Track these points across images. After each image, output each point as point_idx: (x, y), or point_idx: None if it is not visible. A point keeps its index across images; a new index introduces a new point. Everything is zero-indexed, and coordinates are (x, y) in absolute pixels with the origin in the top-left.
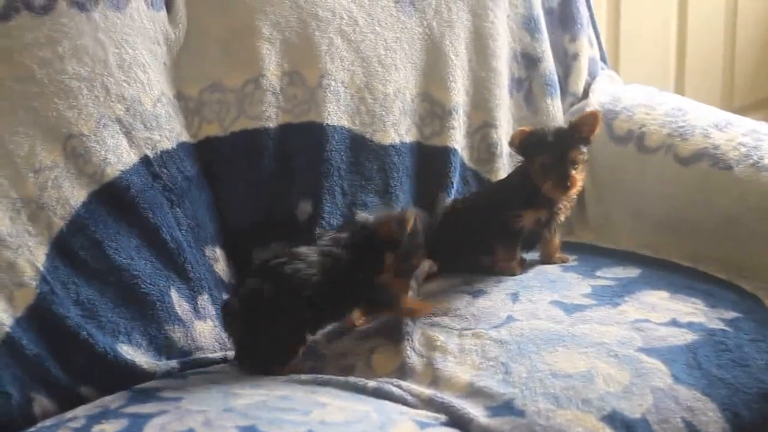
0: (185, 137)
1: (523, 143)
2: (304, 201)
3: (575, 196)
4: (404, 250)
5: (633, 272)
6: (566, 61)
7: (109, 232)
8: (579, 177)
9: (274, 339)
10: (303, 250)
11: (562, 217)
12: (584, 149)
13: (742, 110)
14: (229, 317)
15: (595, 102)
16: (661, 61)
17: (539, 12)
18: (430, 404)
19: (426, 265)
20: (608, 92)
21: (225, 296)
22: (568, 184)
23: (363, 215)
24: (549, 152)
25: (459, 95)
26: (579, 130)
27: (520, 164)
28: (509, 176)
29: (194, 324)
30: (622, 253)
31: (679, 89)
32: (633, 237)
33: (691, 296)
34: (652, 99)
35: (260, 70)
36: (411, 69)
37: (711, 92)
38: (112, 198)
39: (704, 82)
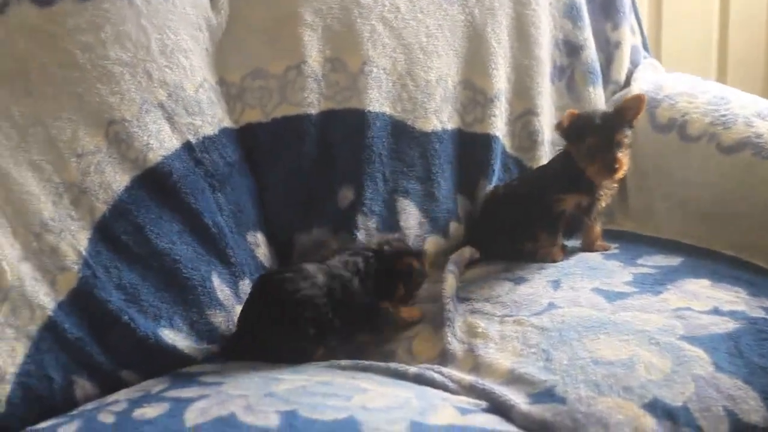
0: (227, 123)
1: (571, 126)
2: (345, 187)
3: (617, 183)
4: (415, 281)
5: (675, 260)
6: (608, 49)
7: (151, 216)
8: (625, 160)
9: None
10: (310, 268)
11: (603, 203)
12: (629, 132)
13: None
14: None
15: (637, 90)
16: (703, 49)
17: (581, 0)
18: (471, 391)
19: (467, 252)
20: (650, 80)
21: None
22: (616, 166)
23: (373, 240)
24: (596, 135)
25: (501, 82)
26: (624, 114)
27: (561, 150)
28: (551, 162)
29: (235, 309)
30: (664, 242)
31: (721, 78)
32: (675, 225)
33: (733, 285)
34: (695, 87)
35: (302, 57)
36: (453, 56)
37: (753, 81)
38: (155, 183)
39: (746, 70)
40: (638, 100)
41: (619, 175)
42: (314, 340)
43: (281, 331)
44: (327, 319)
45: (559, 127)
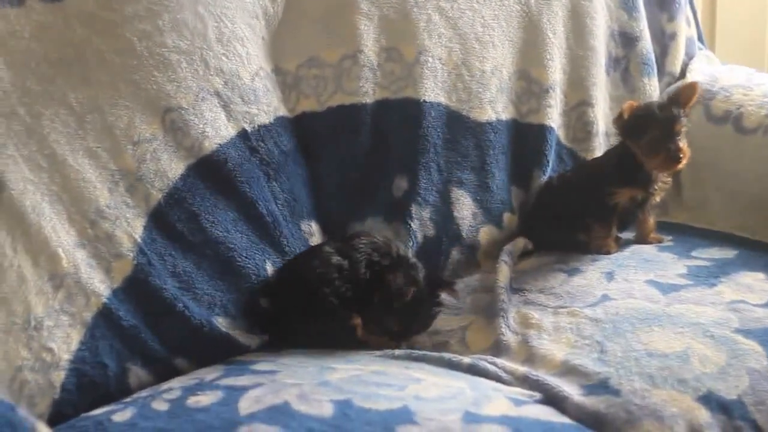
0: (282, 112)
1: (630, 119)
2: (399, 177)
3: (671, 177)
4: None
5: (729, 253)
6: (663, 41)
7: (206, 205)
8: (686, 149)
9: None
10: (326, 249)
11: (657, 198)
12: (685, 121)
13: None
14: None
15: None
16: (757, 42)
17: None
18: (524, 382)
19: (521, 243)
20: (705, 72)
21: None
22: (681, 156)
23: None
24: (658, 127)
25: (556, 73)
26: (680, 102)
27: (617, 143)
28: (606, 154)
29: None
30: (718, 234)
31: None
32: (729, 218)
33: None
34: (750, 80)
35: (358, 46)
36: (508, 46)
37: None
38: (210, 171)
39: None
40: (691, 87)
41: (683, 165)
42: (342, 309)
43: (307, 310)
44: (342, 292)
45: (619, 119)
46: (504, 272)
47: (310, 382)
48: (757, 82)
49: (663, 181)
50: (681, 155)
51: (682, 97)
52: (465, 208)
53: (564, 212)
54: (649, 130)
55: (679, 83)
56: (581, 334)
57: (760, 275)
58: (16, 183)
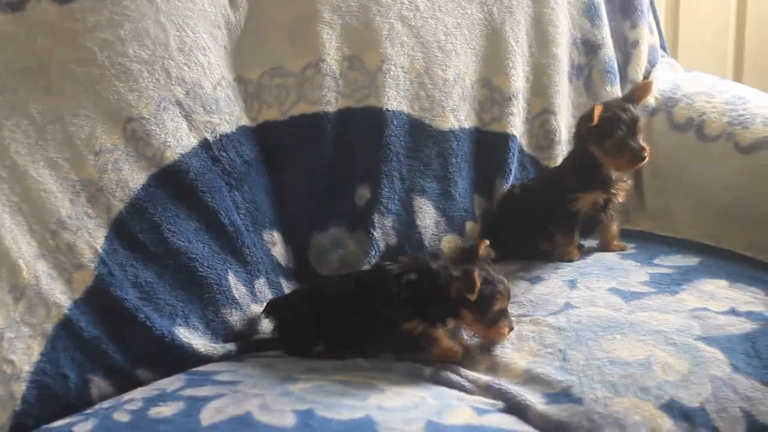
0: (245, 121)
1: (600, 120)
2: (362, 186)
3: (630, 177)
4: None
5: (692, 261)
6: (626, 48)
7: (167, 215)
8: (648, 146)
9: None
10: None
11: (619, 199)
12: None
13: None
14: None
15: (654, 89)
16: (719, 48)
17: None
18: (487, 391)
19: (484, 252)
20: (668, 80)
21: (282, 280)
22: (645, 154)
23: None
24: (623, 127)
25: (519, 81)
26: (633, 100)
27: (573, 148)
28: (564, 161)
29: (251, 307)
30: (681, 242)
31: (737, 77)
32: (692, 225)
33: (750, 285)
34: (713, 87)
35: (320, 55)
36: (471, 54)
37: None
38: (172, 181)
39: (762, 70)
40: (646, 87)
41: (645, 162)
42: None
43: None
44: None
45: (586, 123)
46: None
47: (272, 392)
48: (720, 89)
49: (623, 181)
50: (645, 153)
51: (636, 95)
52: (427, 216)
53: (526, 221)
54: (614, 132)
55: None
56: (544, 343)
57: (723, 282)
58: None
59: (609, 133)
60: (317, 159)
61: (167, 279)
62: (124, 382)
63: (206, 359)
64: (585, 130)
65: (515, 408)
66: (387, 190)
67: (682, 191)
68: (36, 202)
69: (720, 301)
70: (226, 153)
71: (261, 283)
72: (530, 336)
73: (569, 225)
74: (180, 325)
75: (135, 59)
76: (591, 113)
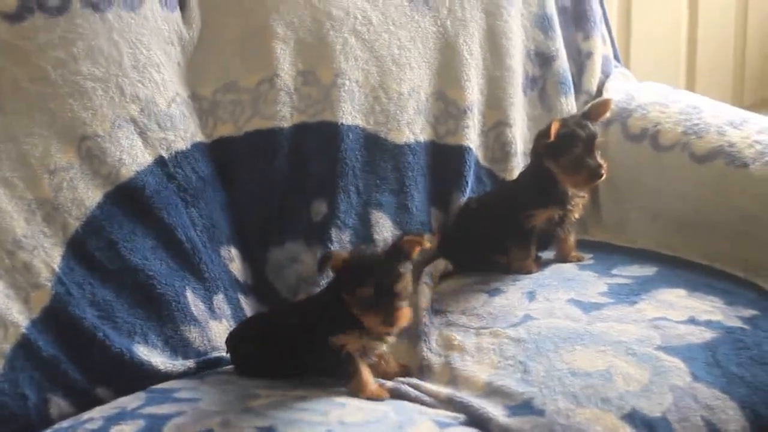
0: (200, 137)
1: (557, 136)
2: (318, 201)
3: (587, 193)
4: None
5: (650, 270)
6: (580, 59)
7: (124, 232)
8: (605, 163)
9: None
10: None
11: (576, 215)
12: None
13: (753, 108)
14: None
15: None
16: (671, 58)
17: (552, 10)
18: (448, 404)
19: (441, 265)
20: (622, 90)
21: (240, 296)
22: (602, 172)
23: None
24: (580, 144)
25: (473, 94)
26: (593, 118)
27: (530, 163)
28: (521, 175)
29: (210, 324)
30: (638, 252)
31: (690, 87)
32: (649, 235)
33: (709, 294)
34: (667, 97)
35: (274, 70)
36: (425, 68)
37: (721, 90)
38: (127, 198)
39: (715, 79)
40: (605, 104)
41: (602, 179)
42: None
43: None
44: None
45: (542, 140)
46: (425, 294)
47: (232, 408)
48: (673, 99)
49: (579, 197)
50: (602, 171)
51: (594, 113)
52: (385, 230)
53: (483, 235)
54: (572, 149)
55: (594, 100)
56: (504, 355)
57: (681, 292)
58: None
59: (566, 150)
60: (273, 174)
61: (125, 297)
62: (84, 401)
63: (166, 377)
64: (542, 147)
65: (477, 421)
66: (344, 204)
67: (637, 202)
68: None
69: (679, 310)
70: (182, 170)
71: (219, 300)
72: (490, 348)
73: (525, 239)
74: (139, 343)
75: (89, 77)
76: (548, 129)
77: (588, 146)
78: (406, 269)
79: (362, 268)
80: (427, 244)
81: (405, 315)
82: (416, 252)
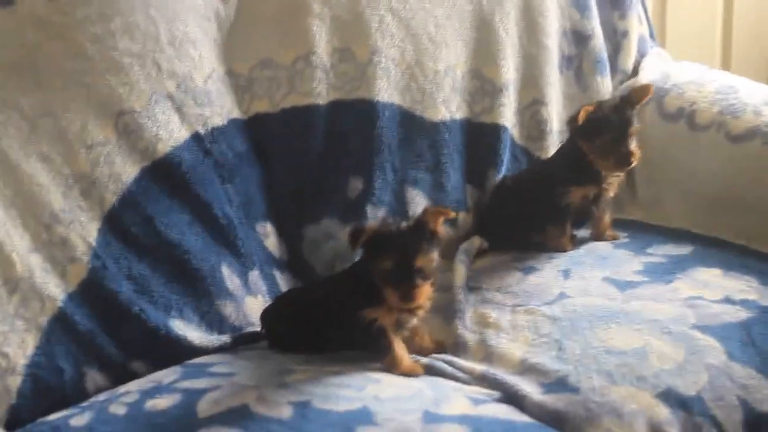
0: (236, 114)
1: (586, 120)
2: (354, 178)
3: (623, 172)
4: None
5: (685, 250)
6: (616, 39)
7: (160, 207)
8: (637, 151)
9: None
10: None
11: (611, 193)
12: (636, 121)
13: None
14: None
15: (644, 79)
16: (707, 38)
17: None
18: (483, 381)
19: (477, 242)
20: (658, 70)
21: (275, 272)
22: (632, 159)
23: None
24: (611, 130)
25: (509, 72)
26: (633, 104)
27: (567, 141)
28: (556, 153)
29: (245, 299)
30: (674, 231)
31: (725, 67)
32: (684, 215)
33: (744, 274)
34: (703, 76)
35: (311, 47)
36: (461, 46)
37: (756, 70)
38: (164, 174)
39: (750, 59)
40: (646, 89)
41: (633, 166)
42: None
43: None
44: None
45: (572, 123)
46: (460, 271)
47: (268, 383)
48: (709, 78)
49: (614, 176)
50: (632, 158)
51: (634, 97)
52: (420, 207)
53: (518, 213)
54: (602, 134)
55: (631, 81)
56: (539, 333)
57: (716, 271)
58: None
59: (598, 134)
60: (308, 151)
61: (161, 272)
62: (120, 375)
63: (201, 351)
64: (572, 129)
65: (512, 398)
66: (379, 181)
67: (673, 181)
68: (29, 195)
69: (714, 289)
70: (218, 145)
71: (255, 275)
72: (525, 326)
73: (560, 217)
74: (174, 318)
75: (126, 53)
76: (578, 113)
77: (621, 132)
78: (432, 246)
79: (385, 241)
80: (451, 214)
81: (423, 292)
82: (439, 223)
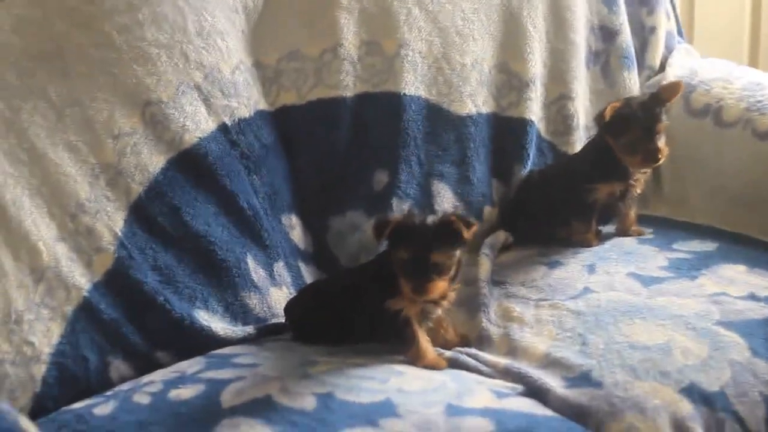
0: (263, 105)
1: (613, 119)
2: (380, 170)
3: (649, 170)
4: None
5: (710, 246)
6: (643, 35)
7: (186, 198)
8: (665, 149)
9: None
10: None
11: (637, 190)
12: (666, 120)
13: None
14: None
15: (672, 76)
16: (734, 35)
17: None
18: (506, 374)
19: (502, 236)
20: (685, 66)
21: (300, 264)
22: (659, 156)
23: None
24: (638, 127)
25: (536, 67)
26: (662, 101)
27: (594, 136)
28: (583, 149)
29: (270, 291)
30: (699, 227)
31: (753, 64)
32: (709, 211)
33: None
34: (730, 73)
35: (338, 40)
36: (489, 40)
37: None
38: (190, 165)
39: None
40: (676, 86)
41: (660, 163)
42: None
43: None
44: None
45: (599, 120)
46: (485, 265)
47: (292, 375)
48: (736, 75)
49: (641, 172)
50: (659, 155)
51: (664, 95)
52: (446, 201)
53: (544, 208)
54: (629, 130)
55: (661, 78)
56: (563, 327)
57: (741, 268)
58: None
59: (625, 131)
60: (335, 143)
61: (186, 262)
62: (144, 365)
63: (225, 342)
64: (598, 125)
65: (535, 391)
66: (405, 174)
67: (698, 177)
68: (55, 185)
69: (739, 286)
70: (245, 137)
71: (280, 267)
72: (549, 320)
73: (586, 213)
74: (199, 308)
75: (153, 43)
76: (605, 109)
77: (648, 129)
78: (453, 245)
79: (407, 232)
80: (475, 228)
81: (436, 288)
82: (470, 233)
